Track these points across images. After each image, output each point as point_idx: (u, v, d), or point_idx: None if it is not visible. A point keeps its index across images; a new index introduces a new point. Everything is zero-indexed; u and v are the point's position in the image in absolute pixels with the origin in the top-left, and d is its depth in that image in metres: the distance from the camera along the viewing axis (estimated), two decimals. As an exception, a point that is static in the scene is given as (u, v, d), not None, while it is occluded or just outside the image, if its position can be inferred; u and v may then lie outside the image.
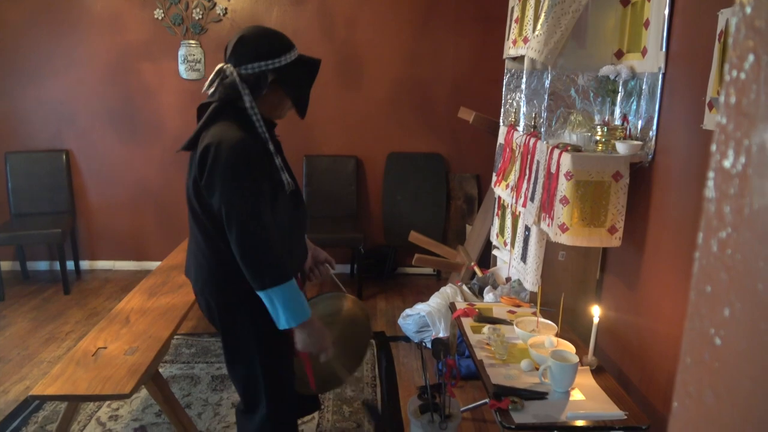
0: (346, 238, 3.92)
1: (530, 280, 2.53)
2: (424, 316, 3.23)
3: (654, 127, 2.08)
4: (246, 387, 1.59)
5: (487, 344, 2.13)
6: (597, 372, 1.94)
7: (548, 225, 2.25)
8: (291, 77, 1.40)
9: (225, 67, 1.40)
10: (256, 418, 1.59)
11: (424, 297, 3.68)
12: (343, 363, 1.73)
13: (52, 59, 4.07)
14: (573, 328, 2.32)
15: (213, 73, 1.43)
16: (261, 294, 1.38)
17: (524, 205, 2.58)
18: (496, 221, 3.22)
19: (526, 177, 2.58)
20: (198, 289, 1.55)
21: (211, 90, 1.43)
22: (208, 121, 1.40)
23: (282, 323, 1.39)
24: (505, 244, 3.03)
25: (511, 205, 2.87)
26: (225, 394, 2.67)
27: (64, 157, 4.14)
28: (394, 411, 2.58)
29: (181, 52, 4.05)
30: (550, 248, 2.51)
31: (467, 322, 2.35)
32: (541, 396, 1.76)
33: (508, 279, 3.07)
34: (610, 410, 1.70)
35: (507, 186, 2.91)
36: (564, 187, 2.13)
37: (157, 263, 4.09)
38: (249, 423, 1.61)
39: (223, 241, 1.42)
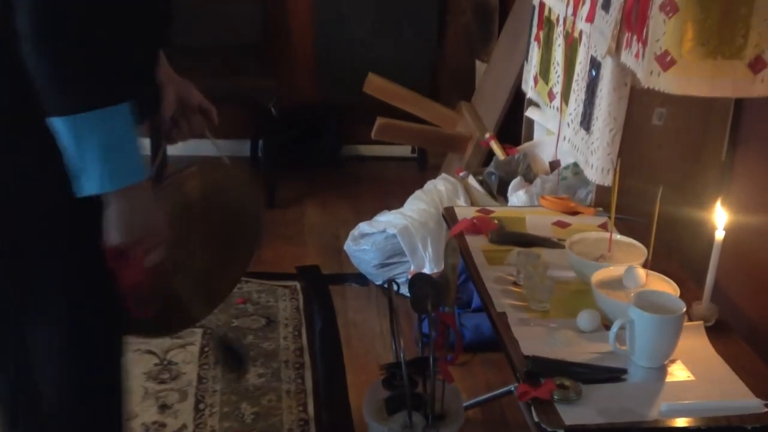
0: (241, 88, 3.84)
1: (598, 164, 2.50)
2: (395, 236, 3.23)
3: None
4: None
5: (515, 284, 2.14)
6: (716, 331, 1.97)
7: (636, 56, 2.21)
8: None
9: None
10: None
11: (395, 201, 3.66)
12: (199, 283, 1.77)
13: None
14: (675, 253, 2.34)
15: None
16: (59, 122, 1.37)
17: (590, 19, 2.53)
18: (535, 52, 3.18)
19: (596, -38, 2.51)
20: None
21: None
22: None
23: (91, 184, 1.40)
24: (551, 96, 3.00)
25: (565, 20, 2.81)
26: None
27: None
28: (338, 408, 2.61)
29: None
30: (638, 102, 2.49)
31: (478, 245, 2.35)
32: (613, 376, 1.78)
33: (554, 164, 3.06)
34: (737, 397, 1.73)
35: (557, -18, 2.85)
36: (669, -20, 2.08)
37: None
38: None
39: None
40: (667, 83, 2.12)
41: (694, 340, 1.91)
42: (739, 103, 2.56)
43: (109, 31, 1.39)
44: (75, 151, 1.38)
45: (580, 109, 2.68)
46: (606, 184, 2.49)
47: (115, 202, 1.45)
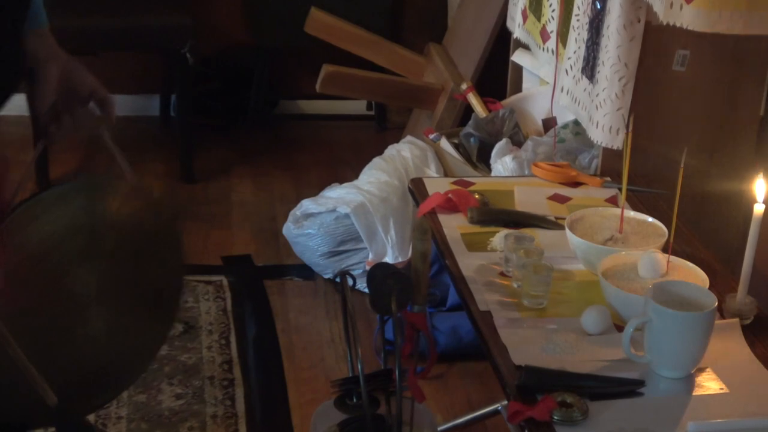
0: (147, 28, 3.80)
1: (605, 122, 2.53)
2: (348, 216, 3.24)
3: None
4: None
5: (503, 275, 2.15)
6: (756, 330, 1.98)
7: (652, -16, 2.24)
8: None
9: None
10: None
11: (348, 171, 3.68)
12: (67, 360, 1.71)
13: None
14: (703, 233, 2.37)
15: None
16: None
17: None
18: (523, -19, 3.18)
19: None
20: None
21: None
22: None
23: None
24: (545, 35, 3.02)
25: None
26: None
27: None
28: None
29: None
30: (654, 43, 2.51)
31: (454, 226, 2.35)
32: (628, 389, 1.79)
33: (549, 122, 3.08)
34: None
35: None
36: None
37: None
38: None
39: None
40: (692, 18, 2.12)
41: (728, 343, 1.92)
42: (781, 44, 2.58)
43: None
44: None
45: (582, 53, 2.68)
46: (615, 147, 2.50)
47: None
